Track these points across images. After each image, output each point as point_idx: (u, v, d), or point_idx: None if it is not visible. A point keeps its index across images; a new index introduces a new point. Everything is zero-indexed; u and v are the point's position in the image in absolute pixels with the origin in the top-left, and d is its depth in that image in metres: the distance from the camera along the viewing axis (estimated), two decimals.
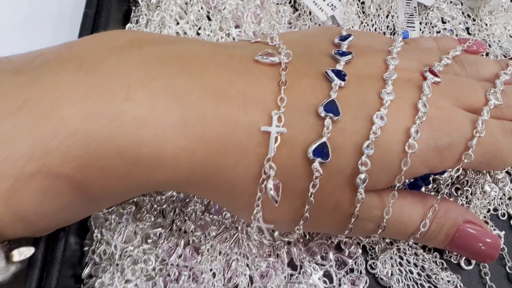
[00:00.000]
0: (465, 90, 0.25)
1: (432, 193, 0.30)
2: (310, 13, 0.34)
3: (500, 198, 0.30)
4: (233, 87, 0.21)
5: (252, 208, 0.22)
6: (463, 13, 0.37)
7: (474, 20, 0.37)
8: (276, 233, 0.27)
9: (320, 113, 0.21)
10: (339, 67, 0.23)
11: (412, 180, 0.30)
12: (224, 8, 0.33)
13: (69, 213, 0.21)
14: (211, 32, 0.33)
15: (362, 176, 0.21)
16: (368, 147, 0.21)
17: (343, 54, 0.24)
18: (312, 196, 0.21)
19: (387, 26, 0.36)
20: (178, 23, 0.33)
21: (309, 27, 0.34)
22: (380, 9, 0.36)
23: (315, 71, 0.23)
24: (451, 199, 0.30)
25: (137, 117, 0.19)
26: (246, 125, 0.21)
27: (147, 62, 0.20)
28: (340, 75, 0.22)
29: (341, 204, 0.22)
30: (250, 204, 0.22)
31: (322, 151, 0.21)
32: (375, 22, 0.36)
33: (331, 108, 0.21)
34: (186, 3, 0.34)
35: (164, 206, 0.28)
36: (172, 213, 0.28)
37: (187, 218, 0.28)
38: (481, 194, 0.30)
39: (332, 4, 0.34)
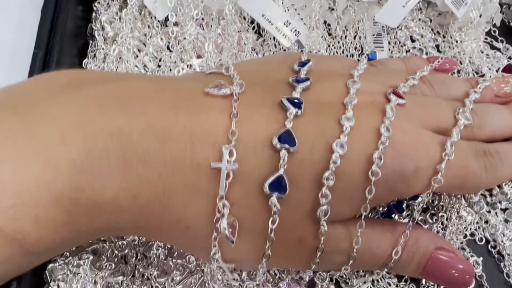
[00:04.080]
0: (433, 111, 0.25)
1: (406, 220, 0.29)
2: (274, 39, 0.33)
3: (477, 223, 0.30)
4: (179, 124, 0.20)
5: (209, 249, 0.21)
6: (432, 30, 0.36)
7: (444, 37, 0.36)
8: (244, 274, 0.26)
9: (275, 144, 0.20)
10: (296, 94, 0.22)
11: (385, 209, 0.29)
12: (184, 39, 0.32)
13: (6, 268, 0.19)
14: (173, 63, 0.32)
15: (324, 208, 0.21)
16: (328, 178, 0.20)
17: (300, 81, 0.23)
18: (272, 232, 0.21)
19: (355, 47, 0.35)
20: (137, 56, 0.32)
21: (273, 53, 0.34)
22: (347, 30, 0.35)
23: (270, 100, 0.22)
24: (426, 226, 0.30)
25: (72, 162, 0.18)
26: (194, 162, 0.20)
27: (84, 104, 0.20)
28: (296, 103, 0.21)
29: (304, 238, 0.22)
30: (207, 244, 0.21)
31: (279, 185, 0.20)
32: (342, 44, 0.35)
33: (287, 138, 0.20)
34: (145, 35, 0.33)
35: (126, 251, 0.27)
36: (134, 259, 0.27)
37: (149, 263, 0.27)
38: (456, 219, 0.30)
39: (295, 30, 0.33)
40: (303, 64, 0.24)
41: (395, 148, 0.21)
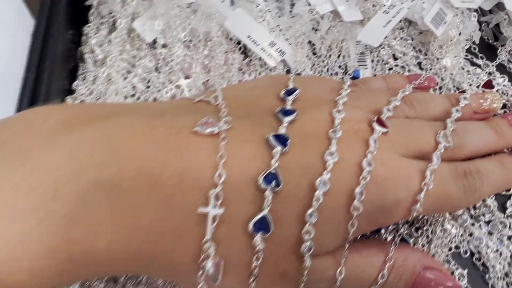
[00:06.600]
0: (414, 136, 0.25)
1: (391, 237, 0.29)
2: (260, 59, 0.34)
3: (461, 235, 0.30)
4: (169, 168, 0.20)
5: (196, 283, 0.21)
6: (414, 48, 0.37)
7: (425, 54, 0.37)
8: None
9: (260, 185, 0.20)
10: (282, 129, 0.22)
11: None
12: (172, 60, 0.32)
13: None
14: (162, 84, 0.33)
15: (307, 244, 0.21)
16: (311, 215, 0.21)
17: (287, 113, 0.23)
18: (257, 268, 0.21)
19: (339, 66, 0.36)
20: (126, 78, 0.32)
21: (260, 73, 0.34)
22: (331, 49, 0.36)
23: (257, 135, 0.22)
24: (411, 240, 0.30)
25: (66, 216, 0.18)
26: (183, 207, 0.20)
27: (76, 151, 0.19)
28: (282, 139, 0.21)
29: (288, 272, 0.22)
30: (194, 279, 0.21)
31: (263, 224, 0.20)
32: (327, 63, 0.35)
33: (272, 179, 0.20)
34: (134, 57, 0.34)
35: None
36: (123, 277, 0.27)
37: (138, 282, 0.27)
38: (441, 232, 0.30)
39: (281, 50, 0.34)
40: (289, 92, 0.25)
41: (376, 182, 0.22)
